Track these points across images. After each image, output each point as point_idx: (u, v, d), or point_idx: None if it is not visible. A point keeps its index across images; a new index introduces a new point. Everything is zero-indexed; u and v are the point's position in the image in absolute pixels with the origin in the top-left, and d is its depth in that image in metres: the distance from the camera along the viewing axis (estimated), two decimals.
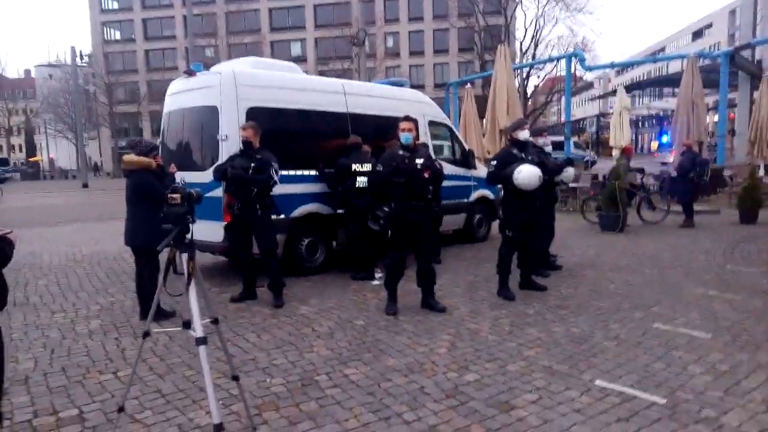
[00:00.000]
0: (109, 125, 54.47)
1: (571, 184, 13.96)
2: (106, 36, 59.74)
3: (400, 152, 5.26)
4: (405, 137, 5.24)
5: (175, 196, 2.69)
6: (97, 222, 14.00)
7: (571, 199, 14.08)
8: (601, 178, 13.74)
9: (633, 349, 4.26)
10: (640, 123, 59.49)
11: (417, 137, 5.48)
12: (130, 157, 5.18)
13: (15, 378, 3.87)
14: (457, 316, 5.22)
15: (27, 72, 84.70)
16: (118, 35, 60.32)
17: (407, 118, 5.32)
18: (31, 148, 68.29)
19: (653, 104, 49.12)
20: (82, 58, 48.77)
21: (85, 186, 33.26)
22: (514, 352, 4.24)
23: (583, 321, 4.99)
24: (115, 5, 60.01)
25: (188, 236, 2.73)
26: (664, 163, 20.69)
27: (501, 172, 5.68)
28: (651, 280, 6.49)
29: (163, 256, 2.97)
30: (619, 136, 13.68)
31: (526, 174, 5.46)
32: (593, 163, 29.78)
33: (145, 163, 5.12)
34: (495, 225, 9.23)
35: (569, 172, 7.34)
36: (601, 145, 43.31)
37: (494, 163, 5.86)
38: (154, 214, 4.69)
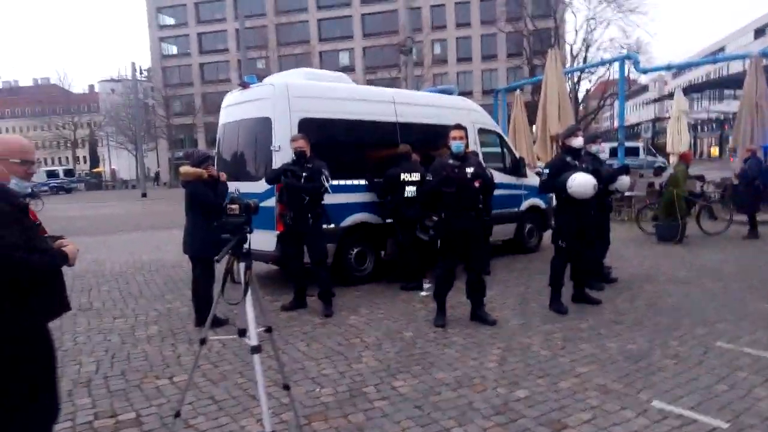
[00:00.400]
0: (167, 137, 56.70)
1: (626, 193, 13.57)
2: (163, 51, 62.33)
3: (450, 161, 5.23)
4: (456, 146, 5.20)
5: (233, 206, 2.77)
6: (155, 230, 14.55)
7: (625, 207, 13.63)
8: (657, 186, 13.25)
9: (694, 368, 4.07)
10: (699, 127, 57.12)
11: (467, 145, 5.44)
12: (186, 168, 5.40)
13: (78, 380, 4.07)
14: (508, 329, 5.12)
15: (91, 87, 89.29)
16: (174, 50, 62.82)
17: (458, 127, 5.29)
18: (94, 160, 71.90)
19: (713, 107, 47.06)
20: (141, 72, 51.13)
21: (144, 195, 34.67)
22: (566, 368, 4.13)
23: (640, 337, 4.80)
24: (172, 21, 62.55)
25: (246, 246, 2.80)
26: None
27: (554, 181, 5.56)
28: (713, 295, 6.19)
29: (221, 266, 3.06)
30: (677, 141, 13.18)
31: (581, 182, 5.33)
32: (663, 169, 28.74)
33: (197, 174, 5.30)
34: (546, 235, 9.05)
35: (624, 180, 7.11)
36: (657, 150, 41.76)
37: (547, 171, 5.76)
38: (207, 224, 4.91)
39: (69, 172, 53.20)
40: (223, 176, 5.59)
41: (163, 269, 8.61)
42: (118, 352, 4.72)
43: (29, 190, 2.36)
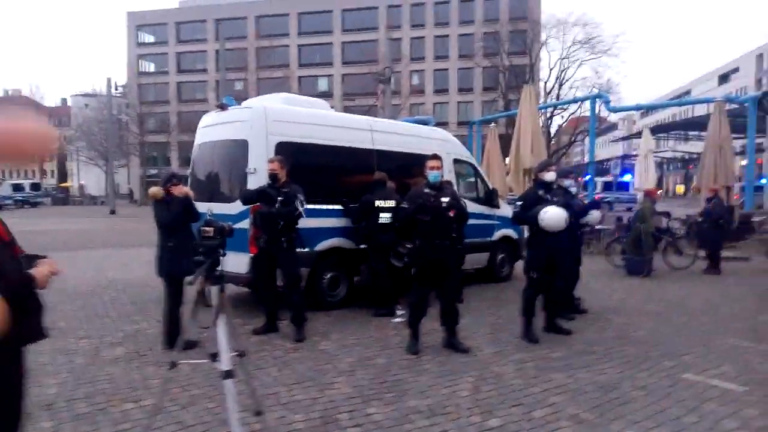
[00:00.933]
0: (139, 154, 55.88)
1: (596, 226, 13.86)
2: (141, 68, 61.88)
3: (426, 190, 5.29)
4: (433, 175, 5.28)
5: (208, 229, 2.74)
6: (123, 248, 14.24)
7: (595, 241, 13.90)
8: (625, 221, 13.58)
9: (663, 400, 4.13)
10: (665, 166, 58.92)
11: (443, 175, 5.52)
12: (152, 189, 5.45)
13: (40, 403, 3.90)
14: (481, 357, 5.14)
15: (64, 101, 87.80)
16: (152, 67, 62.46)
17: (435, 157, 5.37)
18: (62, 174, 70.26)
19: (679, 147, 48.78)
20: (117, 88, 50.52)
21: (113, 212, 33.94)
22: (539, 397, 4.15)
23: (610, 368, 4.87)
24: (152, 39, 62.33)
25: (219, 269, 2.76)
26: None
27: (526, 213, 5.68)
28: (680, 328, 6.33)
29: (194, 288, 3.01)
30: (644, 178, 13.57)
31: (552, 215, 5.45)
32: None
33: (153, 193, 5.37)
34: (519, 265, 9.16)
35: (594, 214, 7.31)
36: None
37: (519, 203, 5.87)
38: (174, 244, 4.95)
39: (35, 186, 51.69)
40: (182, 190, 5.36)
41: (131, 288, 8.40)
42: (82, 374, 4.57)
43: None
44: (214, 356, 2.75)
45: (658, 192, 24.90)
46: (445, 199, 5.27)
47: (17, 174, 73.50)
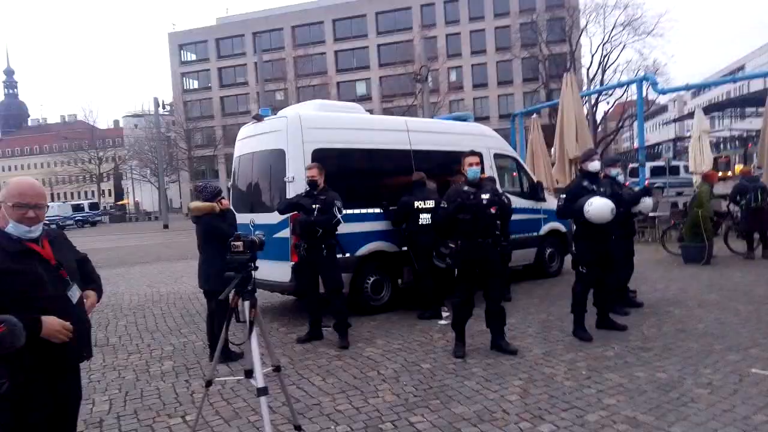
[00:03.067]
0: (188, 168, 57.66)
1: (650, 214, 13.27)
2: (185, 85, 63.87)
3: (465, 188, 5.14)
4: (472, 172, 5.12)
5: (237, 243, 2.70)
6: (175, 262, 14.62)
7: (649, 229, 13.33)
8: (682, 206, 12.96)
9: (729, 397, 3.85)
10: (722, 146, 56.15)
11: (483, 171, 5.35)
12: (196, 203, 5.38)
13: (90, 420, 4.00)
14: (530, 358, 4.94)
15: (116, 122, 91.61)
16: (196, 84, 64.33)
17: (473, 153, 5.22)
18: (119, 193, 73.27)
19: (735, 125, 46.34)
20: (164, 107, 52.31)
21: (166, 227, 35.06)
22: (593, 400, 3.94)
23: (669, 365, 4.58)
24: (194, 57, 64.21)
25: (250, 284, 2.72)
26: None
27: (571, 206, 5.42)
28: (746, 318, 5.93)
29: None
30: (699, 160, 12.90)
31: (598, 207, 5.18)
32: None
33: (210, 207, 5.28)
34: (569, 259, 8.85)
35: (647, 201, 6.94)
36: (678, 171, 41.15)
37: (564, 196, 5.62)
38: (223, 257, 4.88)
39: (94, 206, 54.08)
40: (226, 203, 5.48)
41: (180, 302, 8.58)
42: (131, 389, 4.65)
43: (34, 234, 2.27)
44: (249, 373, 2.70)
45: (720, 174, 23.71)
46: (485, 196, 5.10)
47: (77, 195, 77.08)
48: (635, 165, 20.97)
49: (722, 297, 6.99)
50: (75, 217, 47.62)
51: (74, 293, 2.32)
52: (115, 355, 5.70)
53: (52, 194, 79.93)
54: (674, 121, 48.46)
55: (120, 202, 70.03)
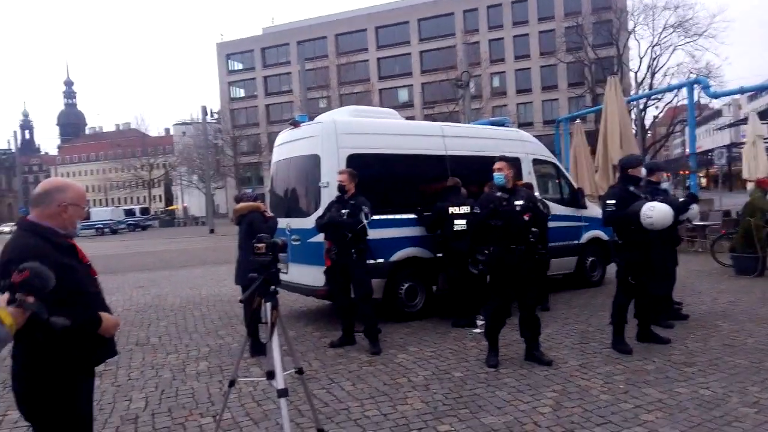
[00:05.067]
0: (234, 175, 59.06)
1: (700, 222, 12.74)
2: (232, 94, 65.58)
3: (498, 194, 5.05)
4: (497, 178, 5.04)
5: (260, 245, 2.73)
6: (218, 265, 14.97)
7: (699, 239, 12.79)
8: (734, 215, 12.38)
9: None
10: None
11: (514, 177, 5.23)
12: (241, 204, 5.78)
13: (126, 417, 4.12)
14: (565, 370, 4.80)
15: (167, 130, 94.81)
16: (242, 93, 65.97)
17: (500, 158, 5.12)
18: (168, 198, 75.87)
19: None
20: (211, 115, 53.79)
21: (212, 231, 35.97)
22: (629, 415, 3.78)
23: (714, 381, 4.36)
24: (240, 66, 65.89)
25: (273, 286, 2.74)
26: None
27: (624, 212, 5.18)
28: None
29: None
30: (753, 167, 12.27)
31: (662, 212, 4.89)
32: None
33: (254, 206, 5.73)
34: (611, 268, 8.57)
35: (694, 209, 6.67)
36: (733, 178, 39.35)
37: (612, 202, 5.34)
38: None
39: (145, 211, 56.24)
40: (269, 212, 5.89)
41: (220, 304, 8.76)
42: (167, 388, 4.77)
43: (78, 232, 2.44)
44: (271, 374, 2.72)
45: None
46: (519, 203, 4.99)
47: (129, 200, 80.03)
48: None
49: None
50: (127, 221, 49.63)
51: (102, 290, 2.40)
52: (154, 354, 5.86)
53: (105, 200, 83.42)
54: (729, 126, 46.46)
55: (169, 207, 72.48)
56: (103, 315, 2.26)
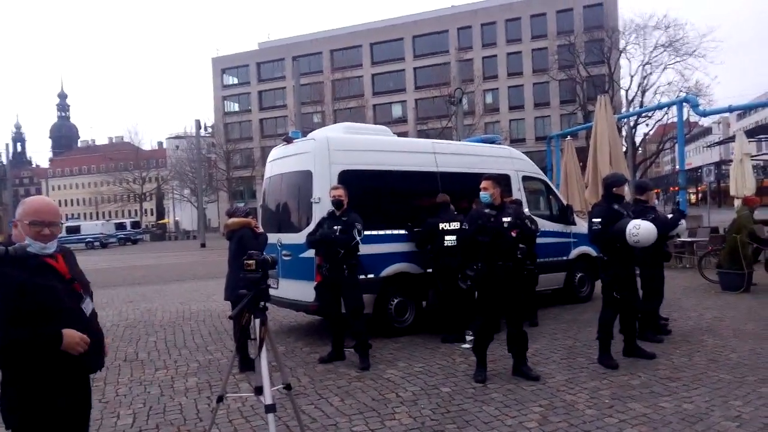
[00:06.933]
0: (227, 189, 59.07)
1: (688, 239, 12.87)
2: (226, 108, 65.78)
3: (486, 210, 5.13)
4: (483, 196, 5.13)
5: (250, 262, 2.78)
6: (208, 280, 14.92)
7: (687, 254, 12.92)
8: (722, 232, 12.53)
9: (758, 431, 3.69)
10: None
11: (502, 195, 5.31)
12: (232, 219, 5.82)
13: None
14: (552, 385, 4.84)
15: (160, 144, 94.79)
16: (236, 107, 66.22)
17: (486, 177, 5.21)
18: (160, 212, 75.51)
19: None
20: (205, 129, 53.92)
21: (203, 246, 35.87)
22: (614, 430, 3.83)
23: (697, 396, 4.42)
24: (235, 80, 66.22)
25: (262, 302, 2.79)
26: None
27: (610, 230, 5.27)
28: None
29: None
30: (741, 185, 12.46)
31: (647, 230, 5.02)
32: None
33: (245, 222, 5.77)
34: (598, 284, 8.65)
35: (682, 224, 6.78)
36: (722, 194, 39.77)
37: (598, 220, 5.43)
38: None
39: (135, 224, 55.84)
40: (260, 227, 5.92)
41: (210, 319, 8.75)
42: (155, 404, 4.77)
43: (49, 250, 2.36)
44: (259, 390, 2.76)
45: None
46: (506, 219, 5.07)
47: (120, 214, 79.67)
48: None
49: (760, 327, 6.71)
50: (118, 235, 49.29)
51: (87, 306, 2.42)
52: (142, 370, 5.85)
53: (97, 213, 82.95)
54: (718, 143, 47.05)
55: (161, 221, 72.07)
56: (66, 332, 2.27)
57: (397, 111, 58.38)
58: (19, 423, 2.27)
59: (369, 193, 6.79)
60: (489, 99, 54.52)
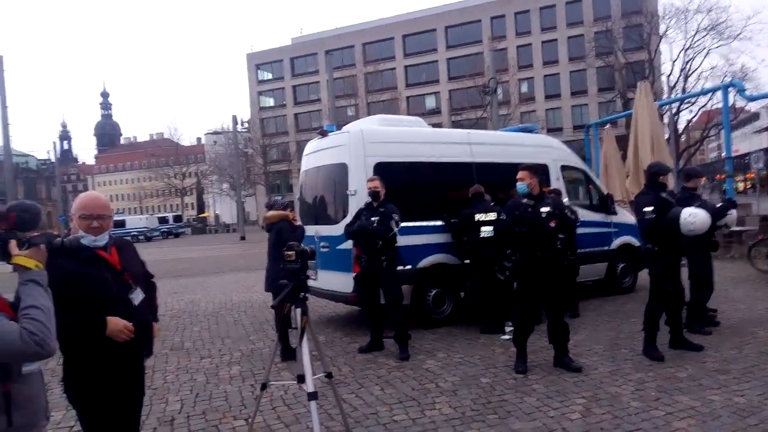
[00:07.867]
0: (264, 182, 59.95)
1: (737, 228, 12.41)
2: (261, 103, 66.65)
3: (524, 200, 5.06)
4: (520, 187, 5.05)
5: (290, 253, 2.82)
6: (249, 271, 15.21)
7: (736, 244, 12.46)
8: None
9: None
10: None
11: (540, 185, 5.21)
12: (271, 212, 5.93)
13: (163, 419, 4.26)
14: (595, 377, 4.77)
15: (198, 140, 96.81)
16: (271, 102, 67.00)
17: (523, 168, 5.12)
18: (200, 206, 77.37)
19: None
20: (242, 124, 54.83)
21: (243, 238, 36.55)
22: (660, 422, 3.74)
23: (749, 389, 4.28)
24: (269, 76, 66.96)
25: (302, 292, 2.83)
26: None
27: (663, 219, 5.12)
28: None
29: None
30: None
31: (703, 218, 4.89)
32: None
33: (284, 215, 5.88)
34: (642, 275, 8.45)
35: (733, 214, 6.53)
36: None
37: (651, 209, 5.20)
38: None
39: (177, 218, 57.30)
40: (298, 219, 6.01)
41: (251, 310, 8.93)
42: (201, 391, 4.91)
43: (100, 243, 2.47)
44: (301, 378, 2.81)
45: None
46: (544, 209, 4.99)
47: (162, 208, 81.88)
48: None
49: None
50: (161, 228, 50.73)
51: (137, 296, 2.51)
52: (188, 359, 6.03)
53: (140, 208, 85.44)
54: (766, 129, 45.14)
55: (201, 215, 73.82)
56: (111, 319, 2.38)
57: (430, 102, 58.02)
58: (79, 403, 2.39)
59: (404, 184, 6.78)
60: (524, 88, 53.59)
